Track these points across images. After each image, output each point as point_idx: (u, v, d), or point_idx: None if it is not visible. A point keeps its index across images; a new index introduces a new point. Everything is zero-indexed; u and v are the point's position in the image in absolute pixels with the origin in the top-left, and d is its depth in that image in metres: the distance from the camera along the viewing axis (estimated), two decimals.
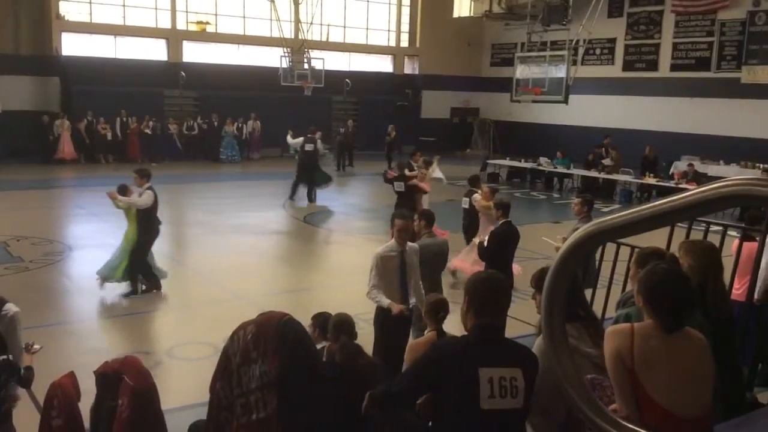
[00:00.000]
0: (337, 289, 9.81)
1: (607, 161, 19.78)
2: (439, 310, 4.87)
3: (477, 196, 10.23)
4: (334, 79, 26.76)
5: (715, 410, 3.10)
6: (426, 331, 4.99)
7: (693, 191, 1.62)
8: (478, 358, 3.05)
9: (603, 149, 20.69)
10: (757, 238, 5.33)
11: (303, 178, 16.70)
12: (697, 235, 5.07)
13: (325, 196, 17.18)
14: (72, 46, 24.05)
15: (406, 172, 12.45)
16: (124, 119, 23.47)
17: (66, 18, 24.05)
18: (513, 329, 3.31)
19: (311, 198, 16.73)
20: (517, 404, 3.05)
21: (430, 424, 3.37)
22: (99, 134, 23.09)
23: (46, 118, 22.59)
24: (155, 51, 25.66)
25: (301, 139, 16.96)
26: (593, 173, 19.82)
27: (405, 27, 31.47)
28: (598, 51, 26.22)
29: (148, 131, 23.51)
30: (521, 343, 3.32)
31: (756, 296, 5.47)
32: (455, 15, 29.43)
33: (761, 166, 18.04)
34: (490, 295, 3.19)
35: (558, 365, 1.98)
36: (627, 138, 22.04)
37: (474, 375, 3.00)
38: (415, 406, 3.47)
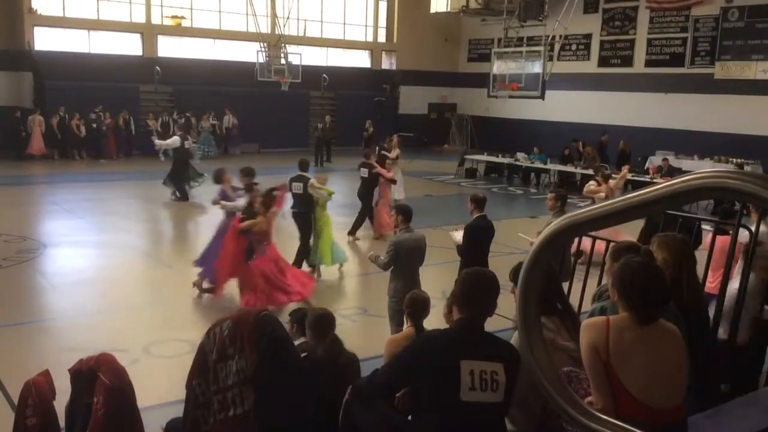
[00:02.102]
0: (317, 285, 9.74)
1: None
2: (422, 306, 4.88)
3: (592, 185, 11.46)
4: (312, 74, 26.66)
5: (688, 401, 3.14)
6: (405, 326, 5.00)
7: (665, 183, 1.64)
8: (460, 350, 3.08)
9: (579, 146, 20.85)
10: (731, 232, 5.40)
11: (178, 175, 16.00)
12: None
13: None
14: (45, 40, 23.64)
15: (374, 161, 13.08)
16: (99, 115, 23.18)
17: (38, 12, 23.65)
18: (490, 323, 3.33)
19: (177, 195, 15.93)
20: (497, 398, 3.07)
21: (409, 417, 3.38)
22: (72, 130, 22.81)
23: (18, 114, 22.28)
24: (130, 46, 25.31)
25: (177, 138, 16.31)
26: (569, 168, 19.98)
27: (382, 22, 31.41)
28: (573, 47, 26.37)
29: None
30: (505, 340, 3.34)
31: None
32: (432, 10, 29.48)
33: (734, 160, 18.28)
34: (477, 290, 3.21)
35: (532, 358, 2.00)
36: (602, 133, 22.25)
37: (455, 367, 3.02)
38: (395, 399, 3.49)
